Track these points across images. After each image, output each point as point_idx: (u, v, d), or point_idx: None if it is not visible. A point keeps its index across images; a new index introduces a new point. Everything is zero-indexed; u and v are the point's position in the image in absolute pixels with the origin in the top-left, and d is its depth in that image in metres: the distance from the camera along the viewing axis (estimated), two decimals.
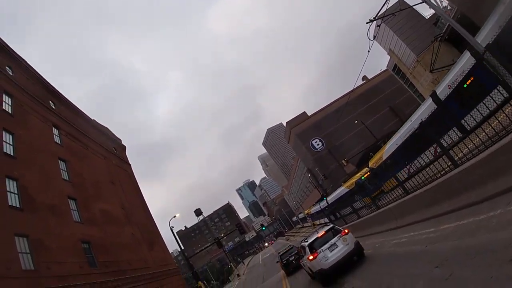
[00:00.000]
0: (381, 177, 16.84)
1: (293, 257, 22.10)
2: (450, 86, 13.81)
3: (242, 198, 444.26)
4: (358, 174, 29.01)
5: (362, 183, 19.94)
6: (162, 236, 37.21)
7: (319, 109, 72.03)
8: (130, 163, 41.83)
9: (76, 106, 33.46)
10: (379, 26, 14.87)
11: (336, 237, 12.20)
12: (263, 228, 55.23)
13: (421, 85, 48.03)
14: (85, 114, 35.23)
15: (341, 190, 35.82)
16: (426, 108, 16.83)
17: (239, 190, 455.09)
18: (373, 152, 41.91)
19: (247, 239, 63.05)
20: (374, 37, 16.25)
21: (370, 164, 22.80)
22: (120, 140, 42.21)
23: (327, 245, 12.03)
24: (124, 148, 42.14)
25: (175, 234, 32.21)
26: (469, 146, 8.46)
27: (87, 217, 23.33)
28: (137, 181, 40.16)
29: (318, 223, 54.12)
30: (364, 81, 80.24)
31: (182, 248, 31.94)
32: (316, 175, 68.79)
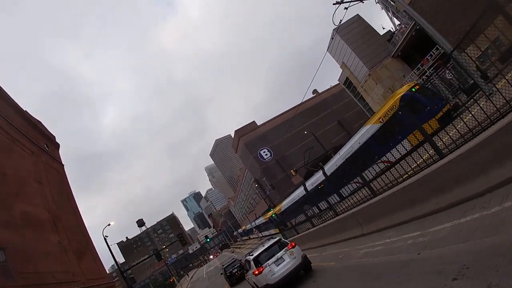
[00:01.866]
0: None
1: (236, 269, 24.39)
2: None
3: (187, 210, 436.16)
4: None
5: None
6: (95, 247, 33.74)
7: (268, 119, 71.99)
8: (64, 163, 37.83)
9: (5, 92, 29.47)
10: (346, 9, 14.11)
11: (283, 250, 11.79)
12: (207, 240, 53.36)
13: (372, 99, 49.42)
14: (15, 103, 31.22)
15: (300, 192, 35.16)
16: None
17: (184, 201, 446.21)
18: (322, 163, 42.48)
19: (190, 251, 60.23)
20: (340, 22, 15.66)
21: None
22: (54, 137, 38.06)
23: (273, 259, 11.59)
24: (57, 146, 38.04)
25: (109, 245, 29.35)
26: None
27: (4, 218, 19.97)
28: (72, 186, 36.22)
29: (268, 233, 53.16)
30: (315, 94, 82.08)
31: (117, 260, 28.98)
32: (263, 186, 68.15)
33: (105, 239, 29.33)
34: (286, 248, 11.86)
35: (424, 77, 36.11)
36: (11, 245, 18.91)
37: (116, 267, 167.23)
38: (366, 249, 10.32)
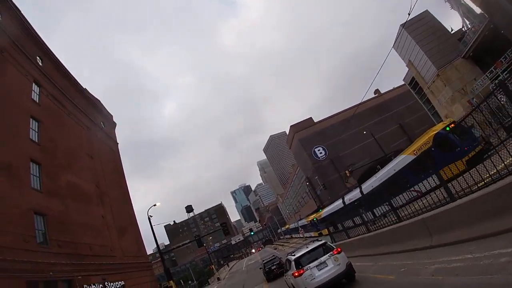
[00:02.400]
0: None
1: (275, 266, 25.24)
2: None
3: (235, 202, 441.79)
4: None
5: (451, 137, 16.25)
6: (142, 229, 33.97)
7: (326, 117, 68.78)
8: (118, 141, 38.69)
9: (67, 69, 30.45)
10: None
11: (327, 255, 11.03)
12: (252, 233, 52.52)
13: (438, 102, 45.50)
14: (76, 81, 32.26)
15: (339, 204, 33.19)
16: None
17: (233, 193, 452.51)
18: (380, 166, 39.75)
19: (233, 242, 59.83)
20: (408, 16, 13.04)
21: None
22: (112, 116, 39.17)
23: (315, 263, 10.86)
24: (114, 124, 39.07)
25: (152, 225, 28.94)
26: None
27: (50, 187, 20.13)
28: (128, 171, 37.18)
29: (308, 235, 51.18)
30: (376, 95, 77.24)
31: (158, 242, 28.62)
32: (314, 185, 65.43)
33: (149, 218, 29.11)
34: (331, 253, 11.03)
35: (496, 81, 32.52)
36: (52, 213, 18.86)
37: (164, 247, 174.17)
38: (438, 264, 8.22)
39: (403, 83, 61.84)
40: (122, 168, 36.81)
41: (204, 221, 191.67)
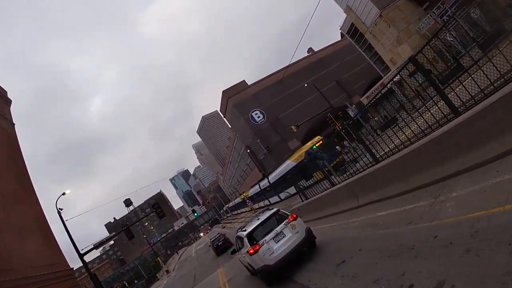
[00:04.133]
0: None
1: (221, 242, 29.78)
2: None
3: (176, 188, 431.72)
4: (309, 143, 30.75)
5: (315, 153, 23.00)
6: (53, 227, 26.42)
7: (259, 79, 64.16)
8: (15, 122, 30.09)
9: None
10: None
11: (282, 224, 9.81)
12: (195, 214, 47.58)
13: (382, 46, 43.70)
14: None
15: (287, 165, 31.68)
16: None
17: (172, 180, 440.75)
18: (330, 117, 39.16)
19: (176, 227, 53.89)
20: None
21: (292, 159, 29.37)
22: (6, 92, 30.21)
23: (271, 235, 9.63)
24: (8, 101, 30.14)
25: (64, 219, 22.15)
26: None
27: None
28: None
29: (257, 206, 47.63)
30: (310, 53, 74.47)
31: (73, 239, 21.80)
32: (256, 152, 61.22)
33: (58, 212, 22.18)
34: (287, 220, 9.88)
35: (445, 17, 31.57)
36: None
37: (109, 248, 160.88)
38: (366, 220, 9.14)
39: (336, 40, 59.67)
40: (22, 157, 28.45)
41: (145, 212, 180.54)
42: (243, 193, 73.64)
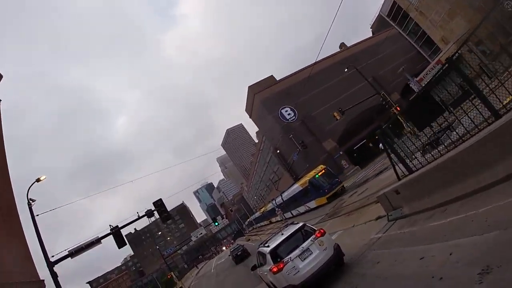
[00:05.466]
0: None
1: (240, 252, 34.18)
2: None
3: (199, 201, 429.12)
4: (312, 172, 33.75)
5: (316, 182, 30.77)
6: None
7: (287, 75, 57.55)
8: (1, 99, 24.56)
9: None
10: None
11: (309, 239, 8.93)
12: (216, 223, 41.17)
13: (431, 23, 36.93)
14: None
15: (295, 188, 35.57)
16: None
17: (196, 193, 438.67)
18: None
19: (193, 238, 48.19)
20: None
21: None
22: None
23: (297, 251, 8.72)
24: None
25: (34, 214, 16.14)
26: None
27: None
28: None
29: (290, 215, 40.91)
30: (342, 48, 67.58)
31: (44, 245, 15.62)
32: (285, 155, 54.20)
33: (29, 204, 16.20)
34: (314, 236, 8.96)
35: None
36: None
37: (129, 258, 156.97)
38: None
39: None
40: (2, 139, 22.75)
41: (167, 224, 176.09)
42: (262, 207, 73.06)
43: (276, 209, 42.31)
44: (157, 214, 19.93)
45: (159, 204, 19.79)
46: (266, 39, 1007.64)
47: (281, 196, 40.08)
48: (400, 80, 58.58)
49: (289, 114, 50.27)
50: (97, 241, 17.58)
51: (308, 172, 42.18)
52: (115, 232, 17.76)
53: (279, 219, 46.39)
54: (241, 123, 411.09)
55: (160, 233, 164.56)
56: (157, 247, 47.46)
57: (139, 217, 19.42)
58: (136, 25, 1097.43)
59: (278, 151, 52.19)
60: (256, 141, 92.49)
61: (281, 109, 50.29)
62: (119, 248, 17.79)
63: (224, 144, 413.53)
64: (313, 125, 49.45)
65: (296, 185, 34.97)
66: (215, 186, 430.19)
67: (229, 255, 38.69)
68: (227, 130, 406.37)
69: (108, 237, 18.09)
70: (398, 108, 27.86)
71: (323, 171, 30.92)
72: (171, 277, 44.39)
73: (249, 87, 54.04)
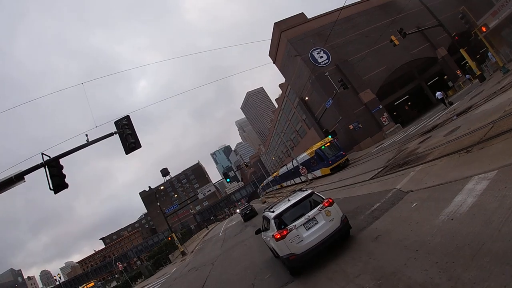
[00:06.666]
0: None
1: (248, 211, 38.45)
2: None
3: (216, 163, 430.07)
4: (318, 143, 34.14)
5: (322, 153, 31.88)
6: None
7: (321, 13, 47.97)
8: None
9: None
10: None
11: (316, 208, 8.45)
12: (227, 180, 34.29)
13: None
14: None
15: (303, 156, 37.19)
16: None
17: (213, 155, 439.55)
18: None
19: (201, 195, 42.74)
20: None
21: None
22: None
23: (302, 220, 8.29)
24: None
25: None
26: None
27: None
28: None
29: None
30: None
31: None
32: (312, 107, 46.02)
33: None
34: (322, 205, 8.43)
35: None
36: None
37: (143, 216, 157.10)
38: None
39: None
40: None
41: (181, 183, 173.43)
42: (275, 172, 72.33)
43: (300, 166, 35.18)
44: (121, 143, 12.36)
45: (124, 124, 12.30)
46: None
47: (296, 159, 40.39)
48: (445, 36, 48.82)
49: (321, 57, 41.49)
50: (18, 178, 10.64)
51: (347, 122, 38.99)
52: (49, 164, 10.70)
53: (302, 180, 40.04)
54: (261, 87, 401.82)
55: (173, 193, 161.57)
56: (158, 203, 41.04)
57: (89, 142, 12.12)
58: None
59: (306, 98, 43.76)
60: (276, 106, 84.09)
61: (312, 51, 41.50)
62: (54, 192, 10.73)
63: (244, 107, 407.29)
64: (349, 72, 40.75)
65: (304, 154, 37.15)
66: (233, 149, 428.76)
67: (238, 213, 41.42)
68: (247, 92, 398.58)
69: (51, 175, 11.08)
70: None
71: (329, 144, 31.85)
72: (172, 239, 38.38)
73: (275, 23, 44.82)
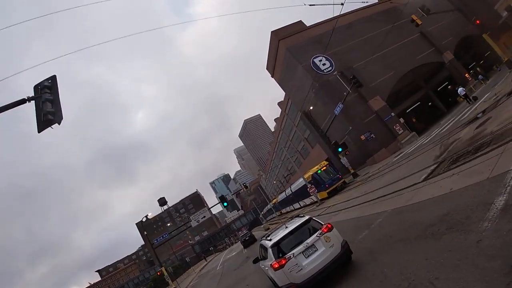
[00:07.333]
0: None
1: (248, 237, 42.24)
2: None
3: (216, 192, 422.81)
4: (315, 167, 33.48)
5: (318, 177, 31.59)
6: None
7: (321, 21, 45.01)
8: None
9: None
10: None
11: (315, 235, 8.05)
12: (225, 204, 29.45)
13: None
14: None
15: (301, 181, 36.02)
16: None
17: (212, 184, 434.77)
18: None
19: (194, 222, 38.11)
20: None
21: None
22: None
23: (300, 247, 7.86)
24: None
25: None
26: None
27: None
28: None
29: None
30: None
31: None
32: (316, 119, 41.97)
33: None
34: (320, 231, 8.04)
35: None
36: None
37: (141, 247, 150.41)
38: None
39: None
40: None
41: (179, 212, 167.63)
42: (274, 199, 71.59)
43: (309, 185, 30.73)
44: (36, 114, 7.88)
45: (46, 86, 7.92)
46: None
47: (290, 188, 43.05)
48: (450, 39, 46.18)
49: (324, 64, 37.90)
50: None
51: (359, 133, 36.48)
52: None
53: (310, 202, 35.57)
54: (259, 114, 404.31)
55: (170, 223, 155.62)
56: (146, 232, 36.16)
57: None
58: (153, 23, 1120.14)
59: (311, 108, 39.45)
60: (273, 130, 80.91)
61: (314, 58, 37.99)
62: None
63: (242, 135, 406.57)
64: (354, 79, 37.29)
65: (301, 179, 36.33)
66: (232, 177, 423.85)
67: (238, 240, 40.68)
68: (245, 120, 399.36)
69: None
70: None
71: (325, 168, 31.86)
72: (160, 274, 33.22)
73: (272, 32, 41.43)
